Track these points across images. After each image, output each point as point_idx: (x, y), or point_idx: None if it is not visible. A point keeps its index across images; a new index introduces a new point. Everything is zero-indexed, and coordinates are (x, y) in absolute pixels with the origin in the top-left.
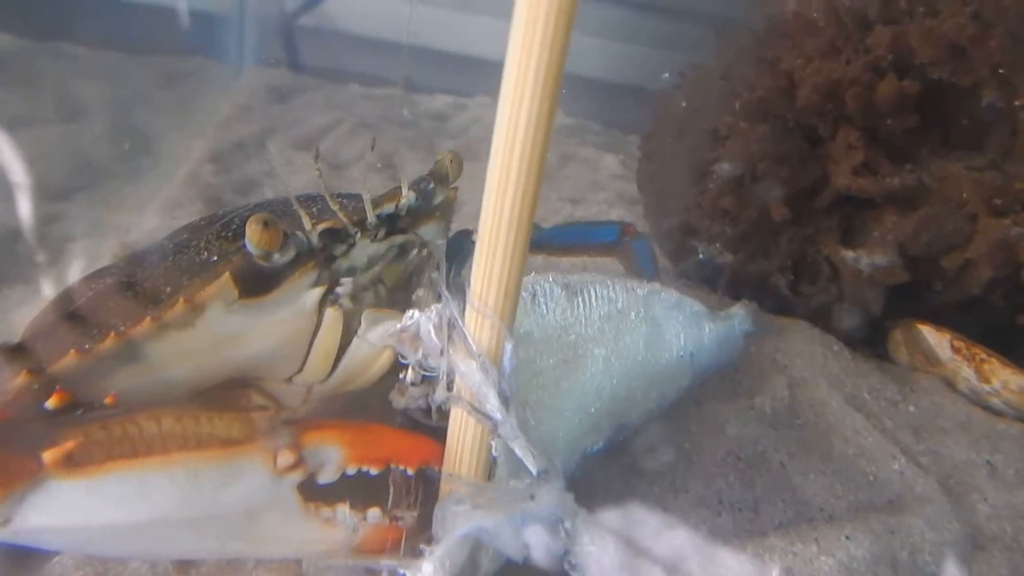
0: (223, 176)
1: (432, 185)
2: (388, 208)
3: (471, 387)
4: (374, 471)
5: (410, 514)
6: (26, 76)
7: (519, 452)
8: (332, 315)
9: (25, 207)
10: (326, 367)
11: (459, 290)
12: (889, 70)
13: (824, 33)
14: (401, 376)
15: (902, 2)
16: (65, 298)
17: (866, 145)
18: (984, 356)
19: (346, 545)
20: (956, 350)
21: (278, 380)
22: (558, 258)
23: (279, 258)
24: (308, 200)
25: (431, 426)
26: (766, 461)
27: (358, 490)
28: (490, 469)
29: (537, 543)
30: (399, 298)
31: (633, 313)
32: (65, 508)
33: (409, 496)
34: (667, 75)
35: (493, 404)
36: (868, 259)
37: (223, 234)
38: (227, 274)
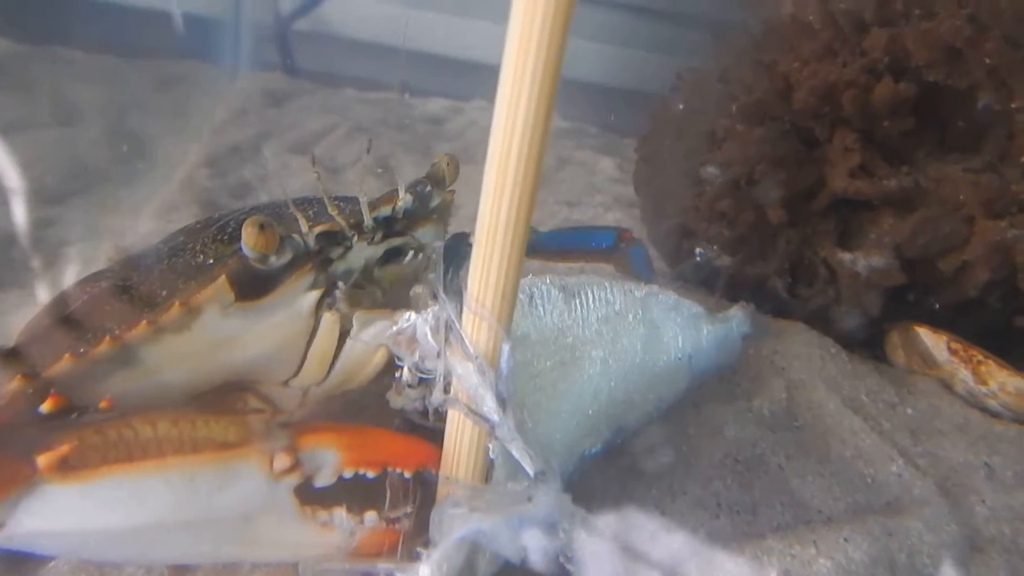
0: (219, 180)
1: (429, 188)
2: (385, 211)
3: (468, 389)
4: (371, 474)
5: (407, 517)
6: (22, 80)
7: (516, 454)
8: (329, 318)
9: (20, 211)
10: (323, 370)
11: (456, 292)
12: (885, 73)
13: (820, 36)
14: (397, 375)
15: (898, 4)
16: (60, 302)
17: (863, 147)
18: (981, 358)
19: (343, 549)
20: (953, 352)
21: (274, 383)
22: (555, 263)
23: (275, 261)
24: (305, 203)
25: (428, 428)
26: (764, 463)
27: (355, 493)
28: (487, 471)
29: (535, 545)
30: (396, 301)
31: (631, 315)
32: (60, 512)
33: (406, 499)
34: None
35: (490, 406)
36: (865, 261)
37: (219, 237)
38: (223, 277)
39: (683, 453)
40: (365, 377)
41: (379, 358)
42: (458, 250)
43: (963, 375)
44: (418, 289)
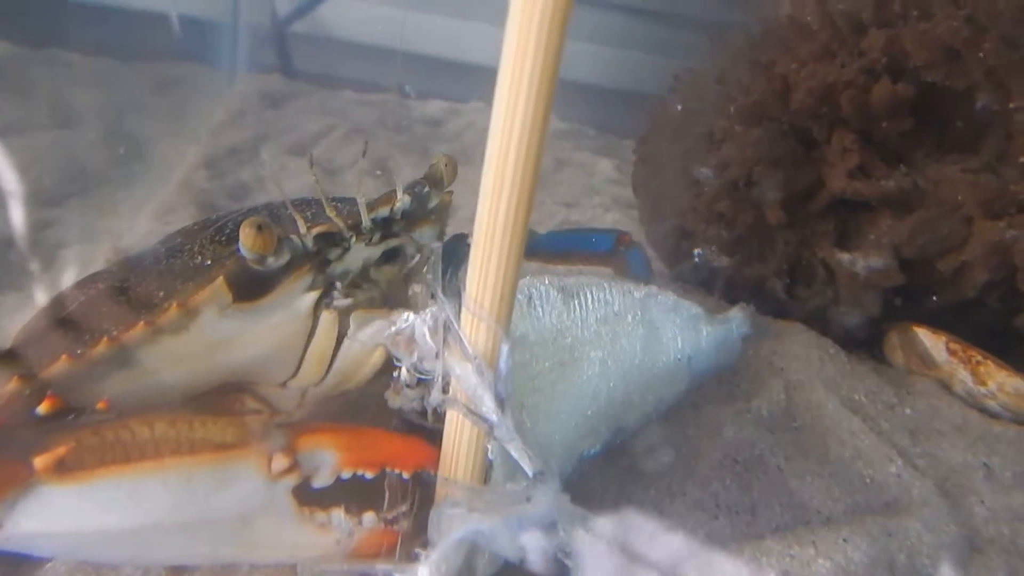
0: (216, 182)
1: (427, 189)
2: (383, 212)
3: (467, 389)
4: (369, 475)
5: (405, 518)
6: (20, 83)
7: (515, 454)
8: (327, 319)
9: (18, 213)
10: (321, 371)
11: (454, 293)
12: (883, 73)
13: (818, 37)
14: (395, 375)
15: (896, 5)
16: (57, 303)
17: (861, 148)
18: (980, 358)
19: (341, 550)
20: (952, 352)
21: (272, 384)
22: (553, 265)
23: (273, 262)
24: (303, 204)
25: (427, 428)
26: (763, 464)
27: (353, 494)
28: (486, 472)
29: (533, 546)
30: (394, 302)
31: (630, 316)
32: (57, 514)
33: (405, 500)
34: None
35: (489, 406)
36: (864, 262)
37: (217, 238)
38: (221, 278)
39: (682, 454)
40: (363, 377)
41: (377, 358)
42: (456, 251)
43: (962, 375)
44: (416, 289)
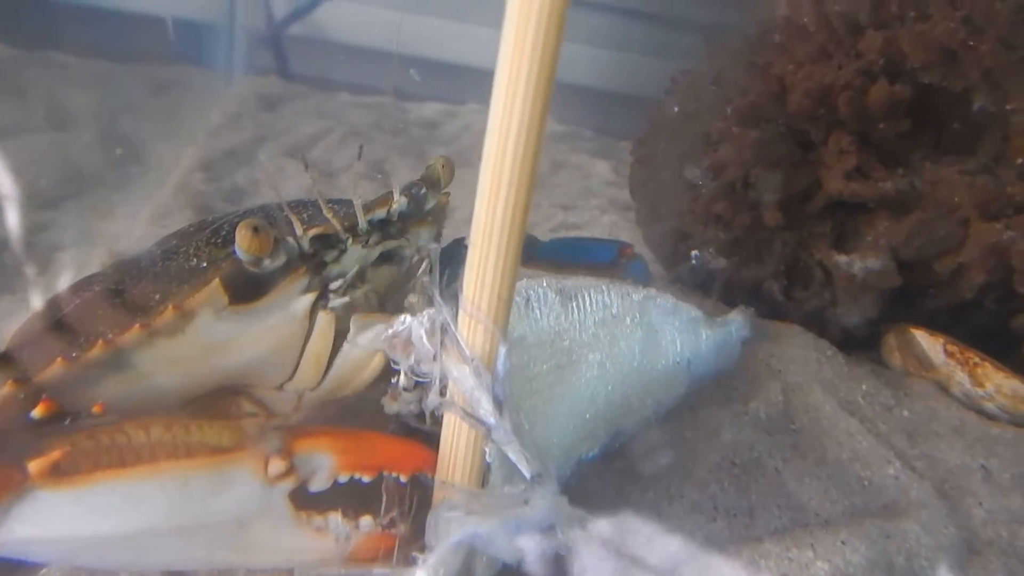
0: (213, 184)
1: (424, 190)
2: (380, 213)
3: (464, 392)
4: (366, 478)
5: (403, 522)
6: (15, 85)
7: (513, 457)
8: (324, 321)
9: (13, 216)
10: (317, 374)
11: (452, 295)
12: (880, 74)
13: (815, 38)
14: (393, 381)
15: (893, 6)
16: (52, 306)
17: (858, 150)
18: (978, 360)
19: (338, 554)
20: (950, 354)
21: (269, 387)
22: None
23: (269, 264)
24: (299, 206)
25: (424, 431)
26: (761, 466)
27: (350, 498)
28: (484, 475)
29: (531, 549)
30: (391, 304)
31: (628, 318)
32: (52, 519)
33: (402, 503)
34: None
35: (486, 409)
36: (861, 263)
37: (213, 240)
38: (217, 280)
39: (680, 457)
40: (360, 383)
41: (376, 364)
42: (453, 254)
43: (960, 377)
44: (413, 292)
